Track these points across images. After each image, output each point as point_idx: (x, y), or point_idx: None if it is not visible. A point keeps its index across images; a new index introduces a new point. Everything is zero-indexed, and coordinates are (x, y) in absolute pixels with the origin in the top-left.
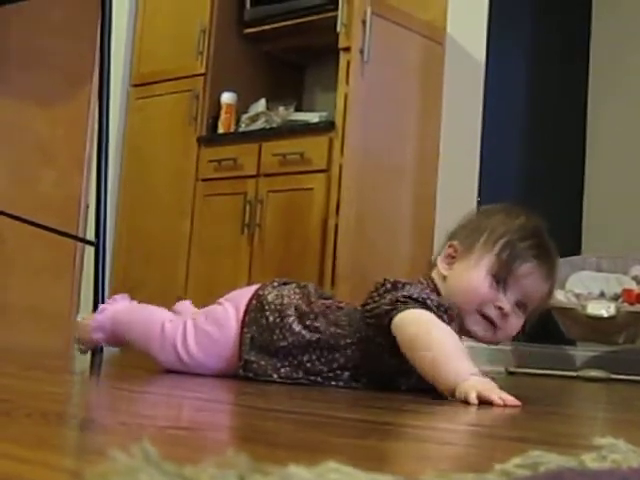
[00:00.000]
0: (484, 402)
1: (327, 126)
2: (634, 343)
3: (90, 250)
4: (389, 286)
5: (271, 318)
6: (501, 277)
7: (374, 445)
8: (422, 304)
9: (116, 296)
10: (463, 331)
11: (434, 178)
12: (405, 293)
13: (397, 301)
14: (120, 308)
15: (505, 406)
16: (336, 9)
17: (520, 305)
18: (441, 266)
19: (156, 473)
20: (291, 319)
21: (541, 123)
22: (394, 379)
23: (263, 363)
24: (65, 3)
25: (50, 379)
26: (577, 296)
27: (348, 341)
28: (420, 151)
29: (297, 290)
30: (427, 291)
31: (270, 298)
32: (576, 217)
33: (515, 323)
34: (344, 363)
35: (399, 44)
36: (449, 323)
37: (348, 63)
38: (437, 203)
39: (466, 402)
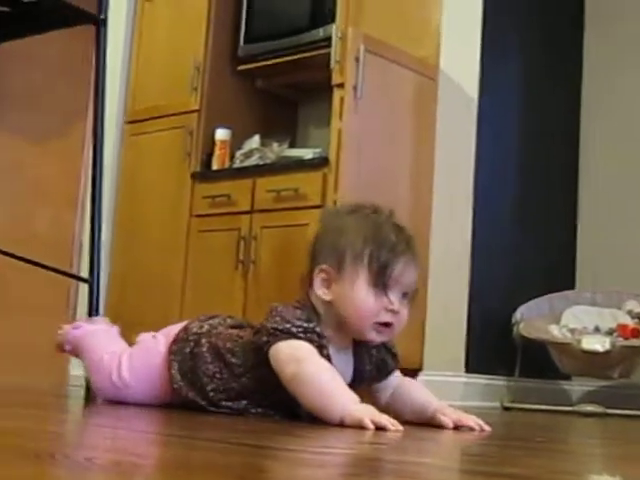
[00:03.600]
0: (377, 427)
1: (321, 162)
2: (629, 377)
3: (84, 287)
4: (268, 314)
5: (189, 349)
6: (380, 283)
7: None
8: (288, 334)
9: (96, 318)
10: (362, 340)
11: (428, 213)
12: (273, 325)
13: (269, 334)
14: (89, 331)
15: (396, 431)
16: (329, 46)
17: (404, 295)
18: (321, 292)
19: None
20: (204, 349)
21: (534, 157)
22: (294, 406)
23: (185, 391)
24: (60, 41)
25: (44, 417)
26: (572, 331)
27: (241, 370)
28: (414, 186)
29: (218, 321)
30: (298, 314)
31: (194, 330)
32: (570, 251)
33: (405, 314)
34: (240, 391)
35: (392, 80)
36: (320, 342)
37: (341, 99)
38: (431, 238)
39: (361, 427)
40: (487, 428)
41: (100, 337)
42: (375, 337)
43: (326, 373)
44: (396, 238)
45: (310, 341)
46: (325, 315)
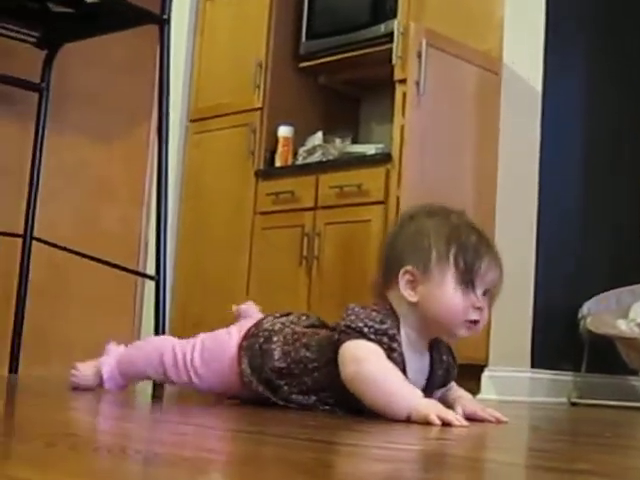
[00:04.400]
0: (443, 423)
1: (384, 158)
2: None
3: (150, 285)
4: (344, 312)
5: (258, 345)
6: (468, 282)
7: (437, 478)
8: (359, 333)
9: (108, 347)
10: (451, 339)
11: (492, 208)
12: (347, 323)
13: (341, 331)
14: (119, 353)
15: (462, 426)
16: (391, 41)
17: (485, 293)
18: (407, 293)
19: None
20: (274, 346)
21: (600, 150)
22: (363, 405)
23: (255, 384)
24: (125, 41)
25: (114, 413)
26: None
27: (315, 364)
28: (478, 182)
29: (291, 319)
30: (373, 316)
31: (265, 326)
32: (637, 245)
33: (488, 311)
34: (311, 386)
35: (455, 75)
36: (390, 344)
37: (404, 95)
38: (496, 232)
39: (427, 423)
40: (504, 419)
41: (148, 343)
42: (465, 333)
43: (387, 372)
44: (477, 239)
45: (380, 343)
46: (407, 317)
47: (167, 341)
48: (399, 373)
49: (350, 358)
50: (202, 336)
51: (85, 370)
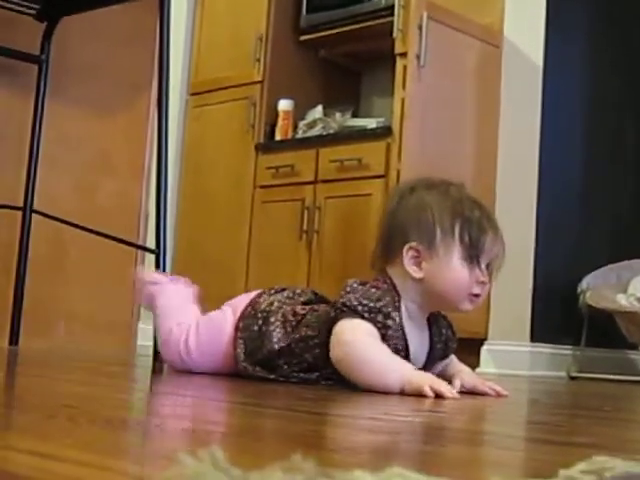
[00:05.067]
0: (437, 395)
1: (384, 131)
2: None
3: (150, 258)
4: (342, 289)
5: (257, 326)
6: (473, 256)
7: (436, 450)
8: (353, 312)
9: (178, 279)
10: (453, 312)
11: (492, 181)
12: (343, 300)
13: (336, 308)
14: (165, 293)
15: (454, 398)
16: (392, 14)
17: (487, 267)
18: (411, 270)
19: (224, 478)
20: (272, 327)
21: (600, 125)
22: None
23: (251, 369)
24: (125, 14)
25: (113, 385)
26: (639, 300)
27: (316, 341)
28: (478, 155)
29: (290, 295)
30: (370, 293)
31: (262, 306)
32: (637, 220)
33: (489, 285)
34: (313, 363)
35: (456, 48)
36: (385, 322)
37: (404, 68)
38: (496, 206)
39: (421, 395)
40: (504, 393)
41: (174, 302)
42: (469, 307)
43: (375, 350)
44: (480, 213)
45: (373, 321)
46: (409, 292)
47: (173, 317)
48: (388, 350)
49: (340, 340)
50: (196, 320)
51: (149, 275)
